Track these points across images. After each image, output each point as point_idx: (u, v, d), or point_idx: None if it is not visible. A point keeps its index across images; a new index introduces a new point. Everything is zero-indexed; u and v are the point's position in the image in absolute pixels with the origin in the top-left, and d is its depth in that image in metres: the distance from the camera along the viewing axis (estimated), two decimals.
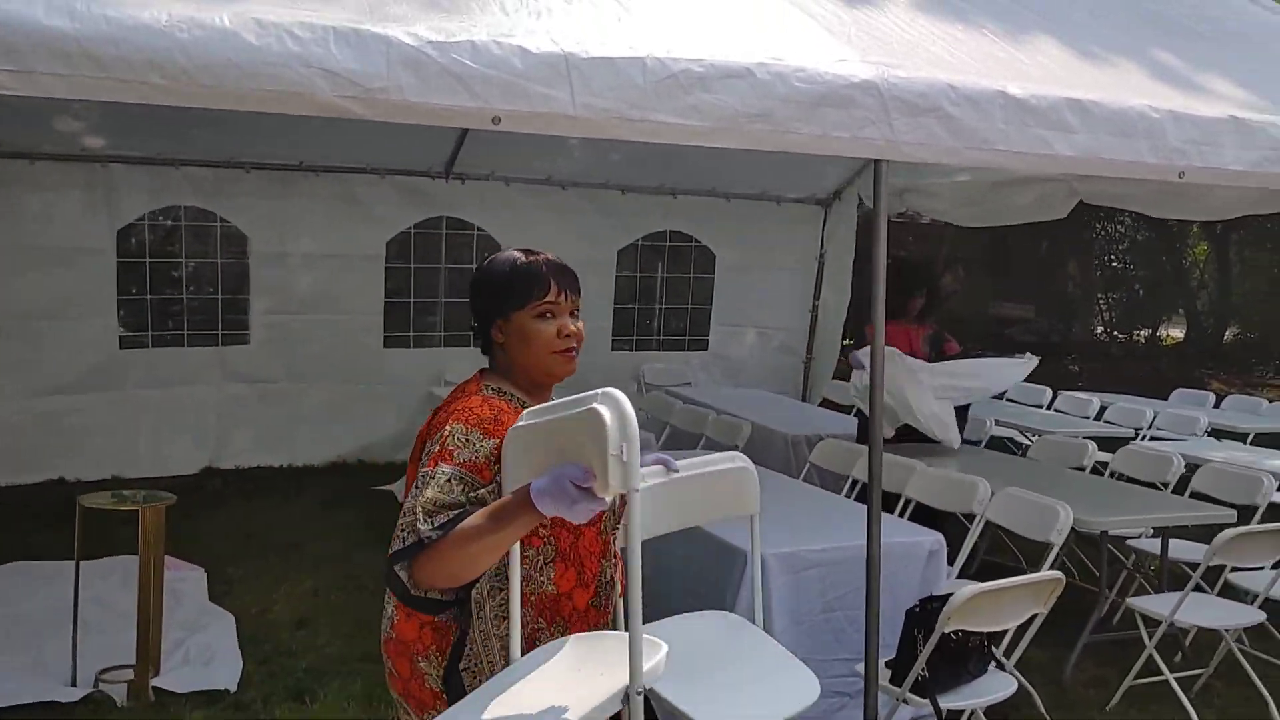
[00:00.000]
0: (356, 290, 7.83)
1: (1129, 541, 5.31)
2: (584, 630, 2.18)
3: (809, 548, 3.75)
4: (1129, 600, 4.31)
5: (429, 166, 7.79)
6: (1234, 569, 4.57)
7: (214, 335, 7.66)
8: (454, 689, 2.13)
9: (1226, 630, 4.30)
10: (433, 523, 1.99)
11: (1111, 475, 5.84)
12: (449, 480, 2.03)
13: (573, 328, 2.22)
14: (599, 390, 1.88)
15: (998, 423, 7.27)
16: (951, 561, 4.20)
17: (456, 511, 2.00)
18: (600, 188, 8.26)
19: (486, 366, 2.30)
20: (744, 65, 3.02)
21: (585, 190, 8.25)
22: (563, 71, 2.81)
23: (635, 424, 1.81)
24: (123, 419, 7.31)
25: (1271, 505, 5.02)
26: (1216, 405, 9.05)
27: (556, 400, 2.04)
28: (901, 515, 4.77)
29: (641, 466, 2.20)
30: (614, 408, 1.82)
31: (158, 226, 7.54)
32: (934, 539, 3.96)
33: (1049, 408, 8.57)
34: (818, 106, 3.08)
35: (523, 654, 2.07)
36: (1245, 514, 4.84)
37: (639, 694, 1.83)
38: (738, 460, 3.11)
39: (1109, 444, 6.43)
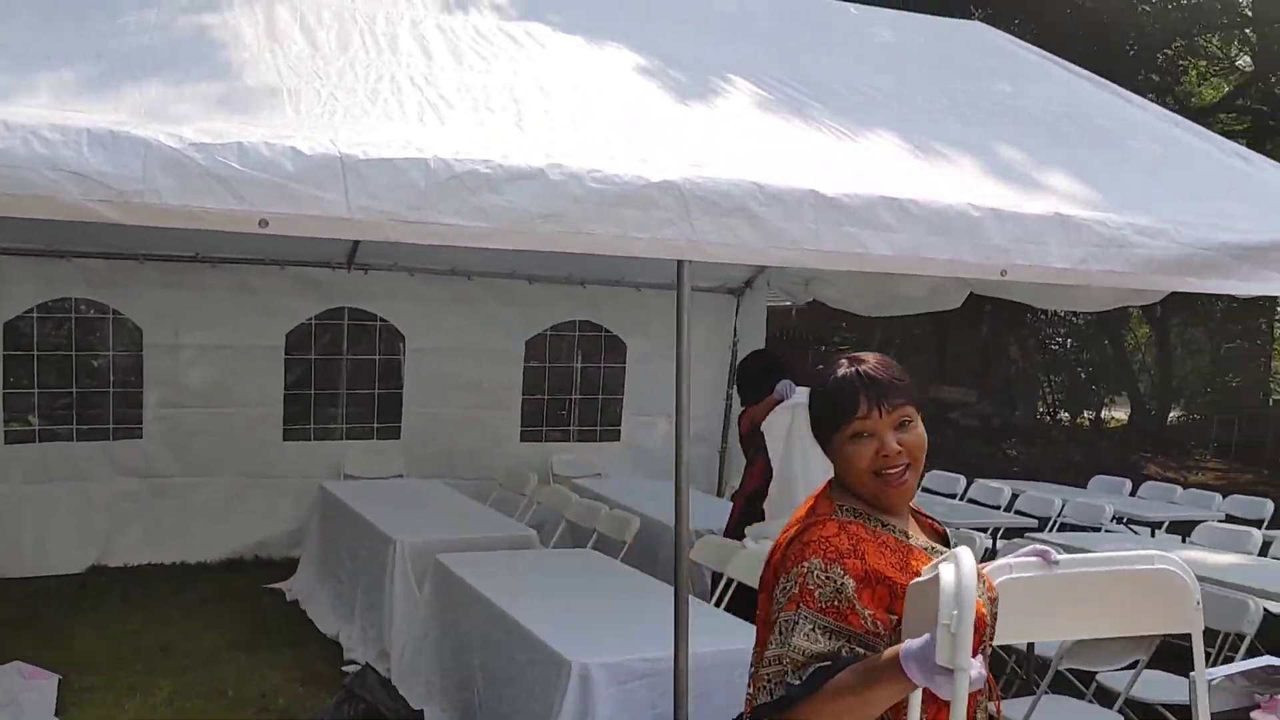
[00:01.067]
0: (254, 382, 7.70)
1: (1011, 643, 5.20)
2: None
3: (639, 656, 3.61)
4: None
5: (330, 257, 7.73)
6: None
7: (105, 429, 7.49)
8: None
9: None
10: (801, 675, 1.85)
11: None
12: (813, 629, 1.87)
13: (894, 445, 1.97)
14: (958, 548, 1.74)
15: None
16: None
17: (825, 664, 1.84)
18: (507, 278, 8.22)
19: (835, 477, 2.11)
20: (535, 166, 2.98)
21: (491, 280, 8.20)
22: (337, 173, 2.75)
23: (972, 590, 1.64)
24: (5, 516, 7.10)
25: None
26: (1133, 492, 9.02)
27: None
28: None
29: (1019, 557, 2.07)
30: (956, 571, 1.66)
31: (47, 319, 7.40)
32: None
33: (962, 497, 8.50)
34: (614, 207, 3.04)
35: None
36: None
37: None
38: (1158, 562, 2.39)
39: (1013, 534, 6.37)
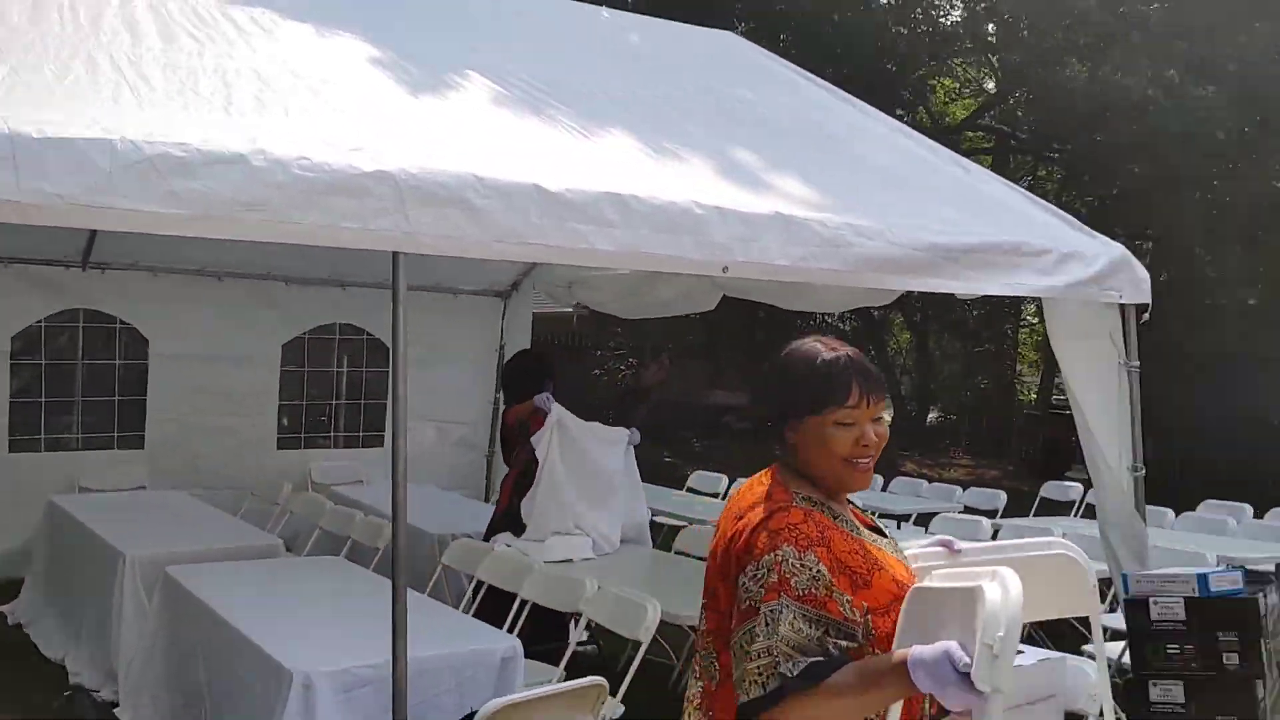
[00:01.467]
0: None
1: None
2: None
3: (365, 663, 3.49)
4: None
5: (62, 254, 7.21)
6: None
7: None
8: None
9: None
10: (793, 668, 1.80)
11: None
12: (794, 619, 1.83)
13: (873, 435, 2.01)
14: (994, 568, 1.68)
15: (657, 514, 7.29)
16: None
17: (818, 659, 1.81)
18: (261, 279, 7.88)
19: (780, 460, 2.08)
20: (237, 152, 2.84)
21: (244, 281, 7.85)
22: (6, 153, 2.54)
23: (1019, 614, 1.58)
24: None
25: None
26: (885, 488, 9.47)
27: (961, 564, 1.87)
28: (517, 618, 4.63)
29: (924, 548, 2.05)
30: (1003, 591, 1.62)
31: None
32: (508, 645, 3.80)
33: (725, 496, 8.71)
34: (324, 195, 2.94)
35: None
36: None
37: None
38: (1056, 547, 2.38)
39: None
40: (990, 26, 13.97)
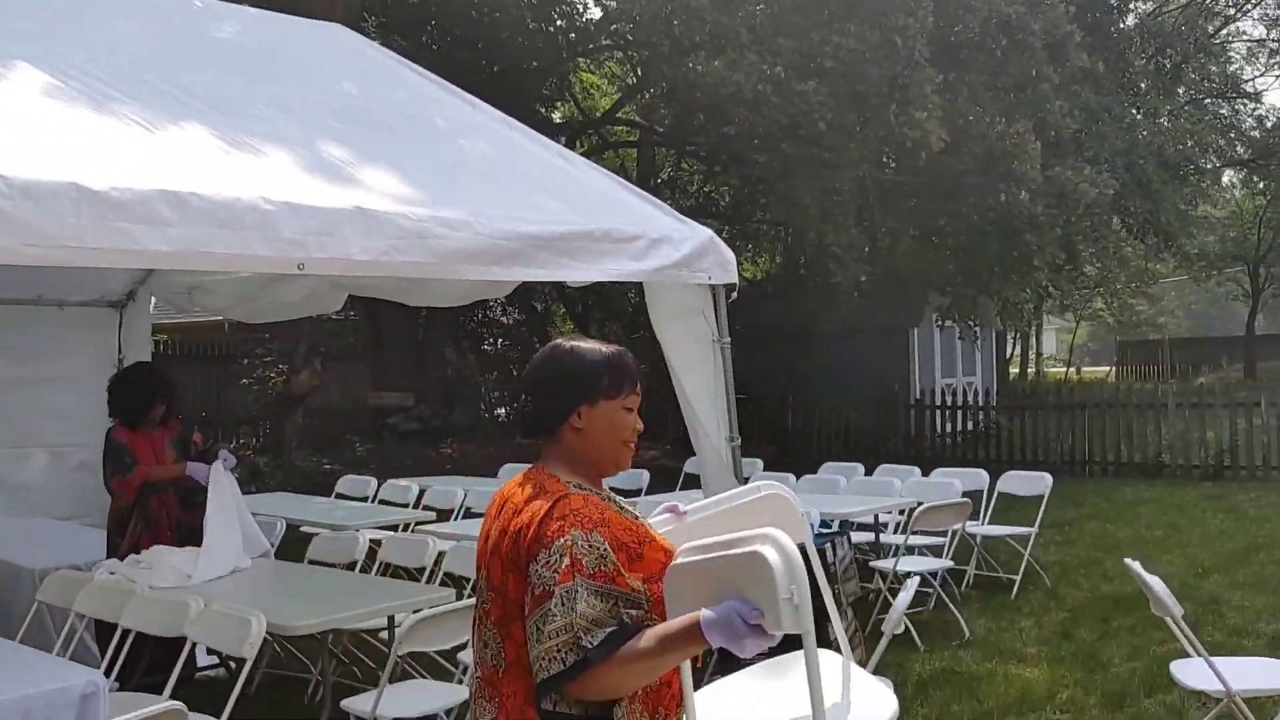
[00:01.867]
0: None
1: None
2: (676, 711, 2.21)
3: None
4: (343, 703, 4.17)
5: None
6: None
7: None
8: None
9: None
10: (593, 640, 1.97)
11: (383, 566, 5.84)
12: (590, 595, 2.00)
13: (639, 424, 2.25)
14: (758, 531, 1.92)
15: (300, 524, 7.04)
16: None
17: (614, 629, 2.00)
18: None
19: (547, 456, 2.23)
20: None
21: None
22: None
23: (802, 566, 1.84)
24: None
25: None
26: None
27: (713, 539, 2.04)
28: (120, 646, 4.33)
29: (655, 517, 2.31)
30: (779, 551, 1.87)
31: None
32: (88, 680, 3.52)
33: (374, 499, 8.54)
34: None
35: None
36: None
37: None
38: (766, 489, 2.73)
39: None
40: (626, 24, 14.46)
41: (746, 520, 2.57)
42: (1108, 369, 39.22)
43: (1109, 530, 9.69)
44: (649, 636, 1.99)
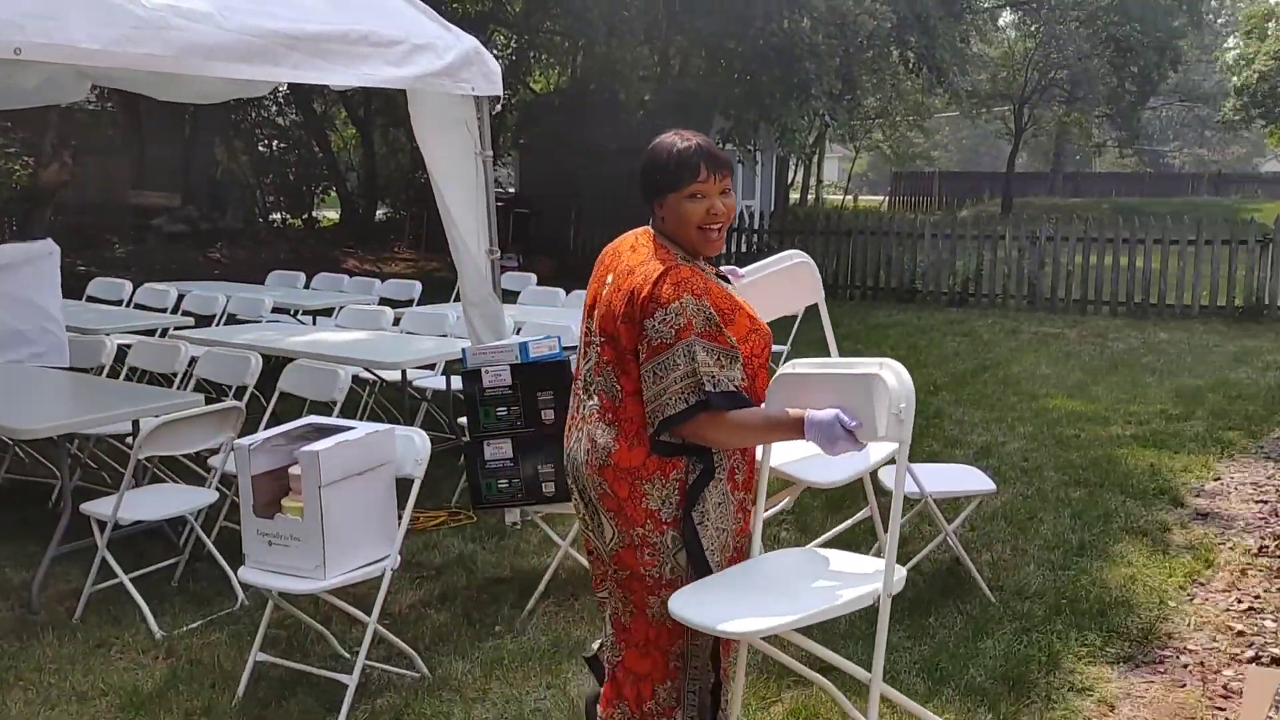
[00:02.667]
0: None
1: None
2: (752, 482, 2.66)
3: None
4: (82, 506, 4.12)
5: None
6: None
7: None
8: (689, 534, 2.48)
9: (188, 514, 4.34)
10: (715, 386, 2.37)
11: (131, 371, 5.69)
12: (703, 350, 2.39)
13: (721, 207, 2.52)
14: (878, 360, 2.35)
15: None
16: None
17: (734, 389, 2.40)
18: None
19: (651, 230, 2.59)
20: None
21: None
22: None
23: (911, 389, 2.31)
24: None
25: (263, 385, 5.20)
26: (307, 285, 9.42)
27: (826, 359, 2.58)
28: None
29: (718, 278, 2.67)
30: (896, 377, 2.33)
31: None
32: None
33: (129, 303, 8.19)
34: None
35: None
36: (239, 395, 4.96)
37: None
38: (796, 257, 3.67)
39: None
40: None
41: (784, 282, 3.62)
42: (882, 198, 40.97)
43: (858, 350, 10.35)
44: (758, 412, 2.46)
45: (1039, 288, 13.34)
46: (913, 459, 4.69)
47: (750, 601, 2.40)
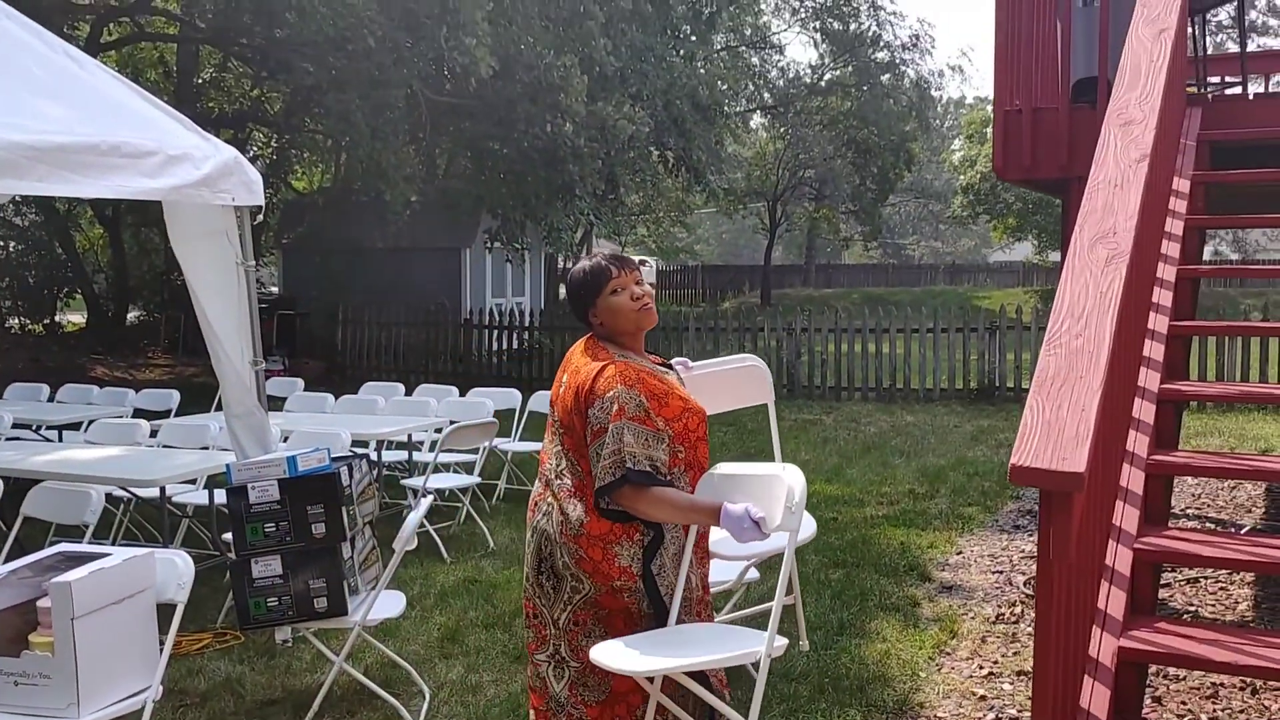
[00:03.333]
0: None
1: None
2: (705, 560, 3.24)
3: None
4: None
5: None
6: None
7: None
8: (649, 584, 2.97)
9: None
10: (634, 465, 2.87)
11: None
12: (634, 434, 2.89)
13: (639, 290, 3.07)
14: (780, 464, 2.97)
15: None
16: None
17: (651, 471, 2.89)
18: None
19: (593, 336, 3.13)
20: None
21: None
22: None
23: (804, 488, 2.86)
24: None
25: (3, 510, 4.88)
26: (51, 397, 8.89)
27: (742, 464, 3.08)
28: None
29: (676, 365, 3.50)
30: (794, 477, 2.88)
31: None
32: None
33: None
34: None
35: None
36: None
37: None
38: (749, 360, 4.25)
39: None
40: None
41: (734, 380, 4.18)
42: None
43: None
44: (679, 494, 2.93)
45: (797, 376, 14.07)
46: None
47: (653, 652, 2.79)
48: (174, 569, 3.44)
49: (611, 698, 3.00)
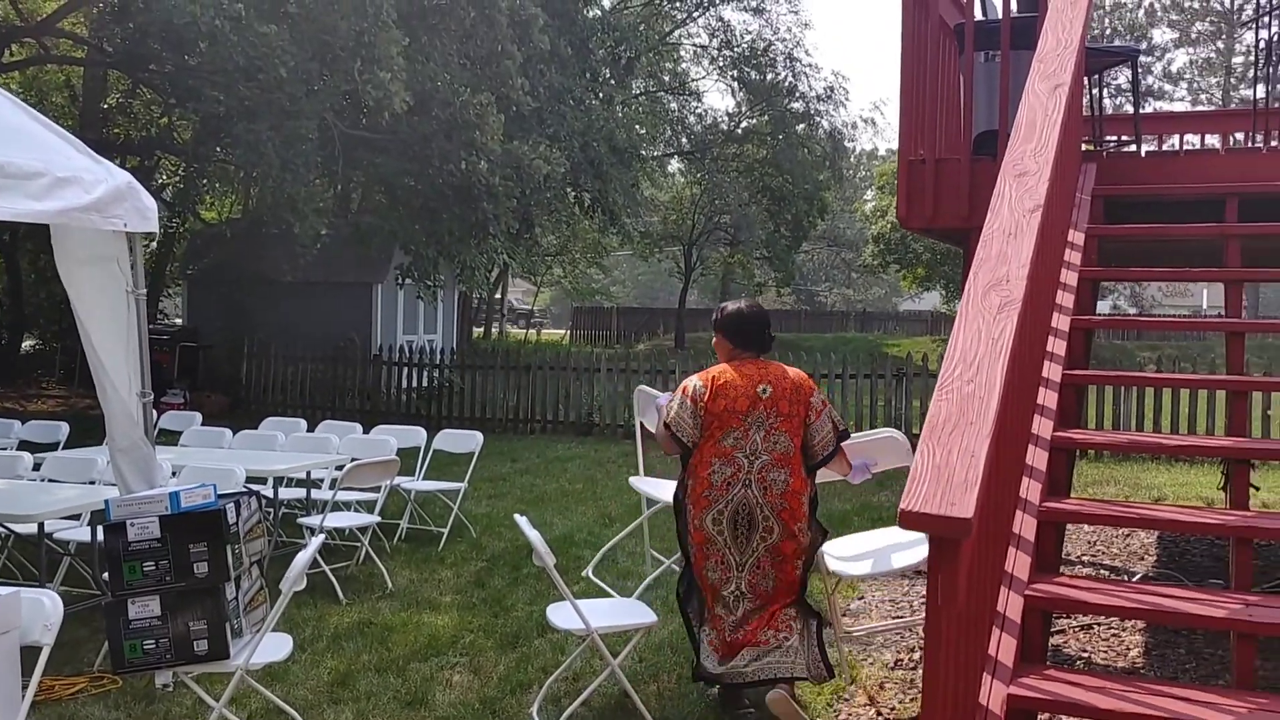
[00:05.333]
0: None
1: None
2: None
3: None
4: None
5: None
6: None
7: None
8: (814, 522, 4.55)
9: None
10: (844, 429, 4.58)
11: None
12: (831, 413, 4.56)
13: None
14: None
15: None
16: None
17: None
18: None
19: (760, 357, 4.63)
20: None
21: None
22: None
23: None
24: None
25: None
26: None
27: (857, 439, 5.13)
28: None
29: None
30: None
31: None
32: None
33: None
34: None
35: None
36: None
37: None
38: (885, 433, 5.60)
39: None
40: None
41: (880, 445, 5.22)
42: (564, 332, 42.10)
43: (538, 484, 10.50)
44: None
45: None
46: (580, 594, 4.81)
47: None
48: (41, 609, 3.27)
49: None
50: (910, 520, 2.28)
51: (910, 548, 4.86)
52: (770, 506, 4.28)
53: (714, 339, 4.66)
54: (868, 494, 10.03)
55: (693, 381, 4.46)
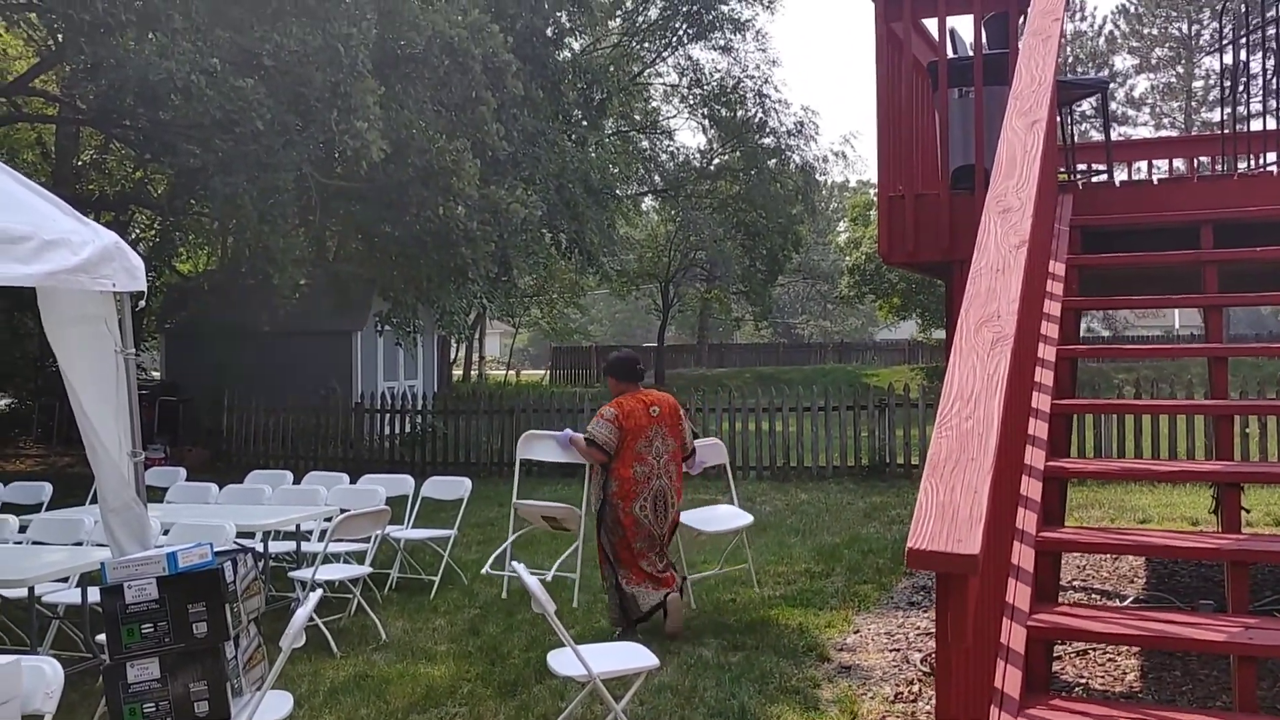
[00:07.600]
0: None
1: None
2: None
3: None
4: None
5: None
6: None
7: None
8: None
9: None
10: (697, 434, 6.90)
11: None
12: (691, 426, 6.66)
13: None
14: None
15: None
16: None
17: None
18: None
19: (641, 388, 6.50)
20: None
21: None
22: None
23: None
24: None
25: None
26: None
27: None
28: None
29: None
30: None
31: None
32: None
33: None
34: None
35: None
36: None
37: None
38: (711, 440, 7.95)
39: None
40: None
41: (705, 449, 7.47)
42: (543, 372, 42.09)
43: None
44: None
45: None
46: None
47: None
48: (41, 677, 3.24)
49: None
50: (918, 559, 2.31)
51: (739, 518, 7.48)
52: (674, 490, 6.35)
53: (608, 380, 6.57)
54: (855, 526, 10.06)
55: (608, 410, 6.27)
